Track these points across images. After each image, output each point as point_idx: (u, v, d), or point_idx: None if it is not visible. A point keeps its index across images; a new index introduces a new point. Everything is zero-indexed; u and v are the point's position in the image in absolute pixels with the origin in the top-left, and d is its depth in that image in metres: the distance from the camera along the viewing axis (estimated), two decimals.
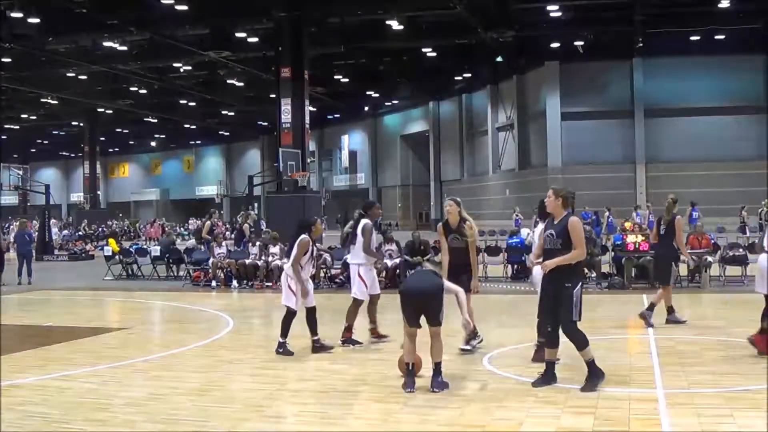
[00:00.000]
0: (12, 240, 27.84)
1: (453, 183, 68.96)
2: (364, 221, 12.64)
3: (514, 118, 59.63)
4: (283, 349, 11.85)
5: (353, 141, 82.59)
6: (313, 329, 12.13)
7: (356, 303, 12.67)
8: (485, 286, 19.51)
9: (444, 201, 13.63)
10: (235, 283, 23.48)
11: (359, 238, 12.54)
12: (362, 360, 11.44)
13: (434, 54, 49.26)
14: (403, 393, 9.16)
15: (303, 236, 12.05)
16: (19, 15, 36.17)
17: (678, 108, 51.38)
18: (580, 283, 9.21)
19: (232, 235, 45.96)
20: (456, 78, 61.73)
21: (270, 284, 22.77)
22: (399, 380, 9.57)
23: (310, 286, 12.25)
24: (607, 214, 37.93)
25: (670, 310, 13.86)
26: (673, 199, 14.41)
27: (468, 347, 11.42)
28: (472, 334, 11.33)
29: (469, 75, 60.17)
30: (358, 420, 8.20)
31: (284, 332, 11.93)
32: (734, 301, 17.38)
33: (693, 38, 46.45)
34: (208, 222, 29.22)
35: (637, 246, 20.42)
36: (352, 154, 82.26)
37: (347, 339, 12.53)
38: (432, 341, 9.41)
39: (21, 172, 48.07)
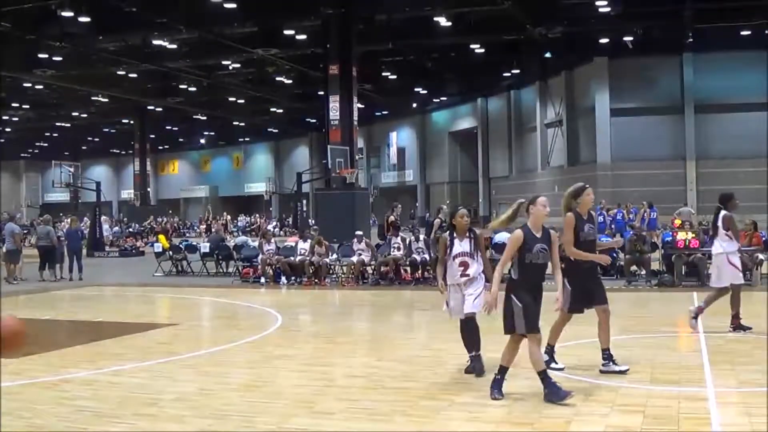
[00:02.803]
0: (63, 237, 28.11)
1: (501, 180, 68.76)
2: (723, 213, 13.10)
3: (563, 114, 59.25)
4: (469, 365, 10.10)
5: (401, 137, 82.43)
6: (467, 345, 10.11)
7: (734, 289, 12.94)
8: None
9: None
10: (284, 279, 23.55)
11: (721, 230, 13.03)
12: (410, 357, 11.44)
13: (482, 50, 48.95)
14: (451, 390, 9.14)
15: (443, 234, 10.48)
16: (70, 14, 36.52)
17: (728, 104, 50.70)
18: None
19: (281, 231, 45.99)
20: (504, 74, 61.32)
21: (318, 281, 22.90)
22: (445, 377, 9.57)
23: (462, 292, 9.93)
24: (644, 210, 36.84)
25: None
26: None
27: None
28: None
29: (517, 71, 59.72)
30: (406, 416, 8.18)
31: (466, 346, 10.13)
32: None
33: (743, 33, 45.71)
34: (392, 216, 26.66)
35: (687, 243, 20.23)
36: (400, 151, 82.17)
37: (737, 326, 12.76)
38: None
39: (72, 170, 48.74)
